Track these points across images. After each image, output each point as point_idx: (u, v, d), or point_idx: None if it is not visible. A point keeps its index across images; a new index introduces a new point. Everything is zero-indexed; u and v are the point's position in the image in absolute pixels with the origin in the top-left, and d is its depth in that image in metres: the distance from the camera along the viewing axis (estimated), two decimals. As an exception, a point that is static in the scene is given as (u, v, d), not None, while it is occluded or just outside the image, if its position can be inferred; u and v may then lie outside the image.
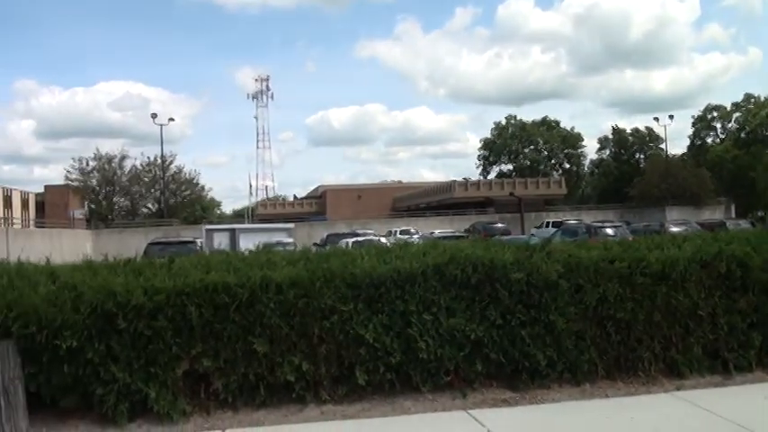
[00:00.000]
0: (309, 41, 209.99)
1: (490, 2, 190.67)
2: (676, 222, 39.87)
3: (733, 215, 62.01)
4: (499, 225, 52.45)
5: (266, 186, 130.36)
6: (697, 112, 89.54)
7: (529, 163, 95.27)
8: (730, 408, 6.71)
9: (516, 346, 7.34)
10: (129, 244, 36.44)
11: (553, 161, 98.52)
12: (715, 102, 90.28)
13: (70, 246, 45.55)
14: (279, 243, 22.74)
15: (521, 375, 7.40)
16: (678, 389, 7.47)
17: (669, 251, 8.06)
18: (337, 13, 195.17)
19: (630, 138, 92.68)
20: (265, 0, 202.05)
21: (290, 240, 30.23)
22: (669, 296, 7.72)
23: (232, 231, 39.37)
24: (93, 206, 69.41)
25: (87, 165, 67.17)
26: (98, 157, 67.32)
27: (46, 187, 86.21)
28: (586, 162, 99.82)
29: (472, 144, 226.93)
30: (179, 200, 70.80)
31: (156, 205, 69.36)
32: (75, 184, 67.60)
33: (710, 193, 65.25)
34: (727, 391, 7.48)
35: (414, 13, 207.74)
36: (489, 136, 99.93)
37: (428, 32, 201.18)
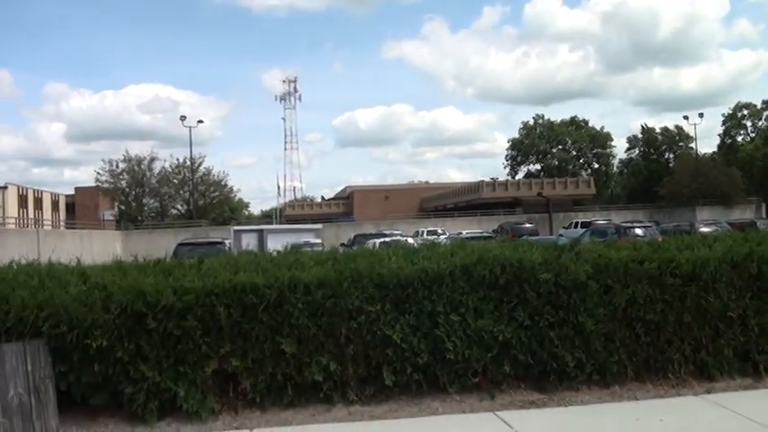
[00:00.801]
0: (336, 43, 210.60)
1: (518, 0, 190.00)
2: (706, 222, 39.48)
3: (764, 215, 61.26)
4: (527, 225, 52.17)
5: (294, 187, 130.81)
6: (727, 110, 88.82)
7: (557, 163, 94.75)
8: (761, 411, 6.63)
9: (545, 348, 7.30)
10: (159, 245, 36.63)
11: (582, 161, 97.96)
12: (745, 99, 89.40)
13: (100, 246, 46.00)
14: (307, 244, 22.76)
15: (549, 377, 7.36)
16: (708, 391, 7.40)
17: (699, 252, 7.98)
18: (364, 14, 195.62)
19: (660, 137, 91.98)
20: (292, 2, 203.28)
21: (318, 241, 30.31)
22: (699, 297, 7.65)
23: (260, 232, 39.53)
24: (122, 207, 70.10)
25: (117, 167, 67.96)
26: (128, 159, 68.09)
27: (76, 189, 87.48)
28: (615, 162, 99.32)
29: (500, 144, 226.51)
30: (208, 201, 71.30)
31: (186, 206, 69.87)
32: (106, 185, 68.35)
33: (741, 192, 64.51)
34: (758, 393, 7.40)
35: (441, 12, 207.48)
36: (517, 136, 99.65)
37: (455, 32, 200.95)
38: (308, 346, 6.97)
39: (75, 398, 6.69)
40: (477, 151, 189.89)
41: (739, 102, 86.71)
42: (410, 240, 26.55)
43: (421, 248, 8.31)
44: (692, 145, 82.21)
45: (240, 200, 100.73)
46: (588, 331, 7.33)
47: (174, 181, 69.97)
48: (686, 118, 71.04)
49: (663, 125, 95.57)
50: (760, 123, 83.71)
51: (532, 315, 7.31)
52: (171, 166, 69.70)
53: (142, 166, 68.24)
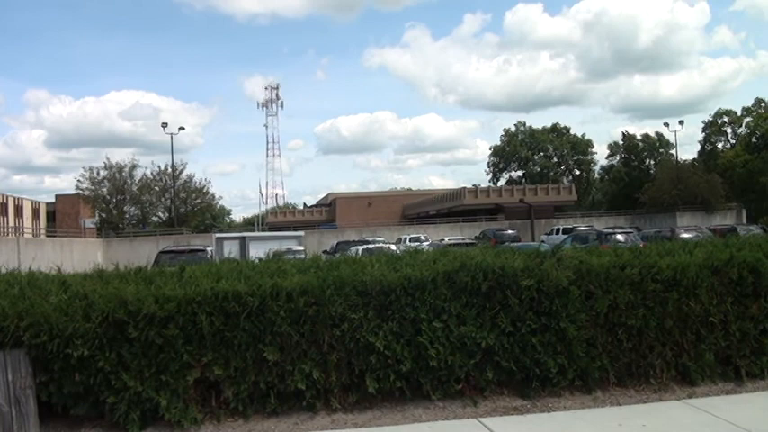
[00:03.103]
0: (319, 50, 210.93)
1: (499, 8, 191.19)
2: (687, 228, 39.73)
3: (744, 221, 61.67)
4: (509, 232, 52.21)
5: (276, 194, 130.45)
6: (707, 117, 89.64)
7: (539, 169, 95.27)
8: (743, 415, 6.68)
9: (527, 354, 7.32)
10: (140, 252, 36.55)
11: (563, 167, 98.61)
12: (725, 106, 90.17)
13: (81, 255, 45.70)
14: (289, 251, 22.78)
15: (532, 383, 7.38)
16: (690, 396, 7.44)
17: (680, 257, 8.03)
18: (346, 21, 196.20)
19: (640, 143, 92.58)
20: (275, 10, 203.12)
21: (301, 248, 30.22)
22: (680, 303, 7.69)
23: (242, 240, 39.39)
24: (103, 215, 69.42)
25: (98, 174, 67.24)
26: (109, 167, 67.42)
27: (57, 197, 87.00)
28: (596, 168, 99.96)
29: (482, 151, 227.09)
30: (189, 208, 70.89)
31: (167, 214, 69.44)
32: (86, 193, 67.68)
33: (721, 198, 64.94)
34: (740, 398, 7.44)
35: (422, 20, 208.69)
36: (499, 143, 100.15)
37: (437, 40, 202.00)
38: (290, 354, 6.95)
39: (57, 408, 6.64)
40: (459, 158, 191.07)
41: (720, 109, 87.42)
42: (393, 247, 26.59)
43: (403, 255, 8.32)
44: (673, 152, 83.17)
45: (222, 207, 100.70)
46: (570, 337, 7.36)
47: (156, 188, 69.43)
48: (667, 125, 72.02)
49: (644, 132, 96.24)
50: (740, 130, 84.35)
51: (515, 321, 7.33)
52: (152, 174, 69.21)
53: (123, 174, 67.62)
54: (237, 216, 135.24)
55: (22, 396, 6.31)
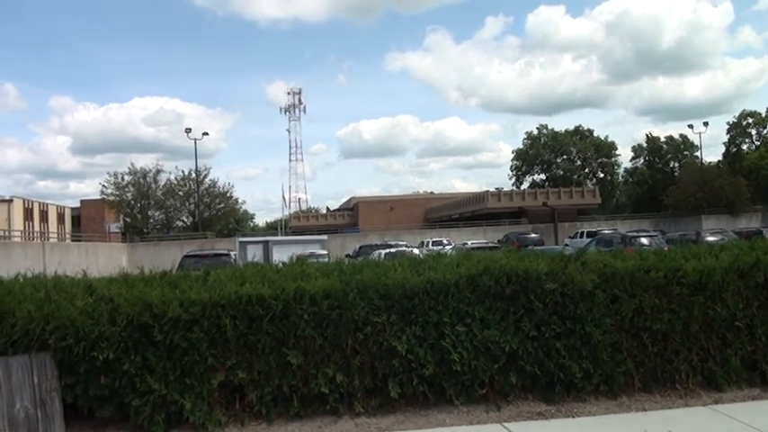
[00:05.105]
0: (340, 55, 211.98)
1: (520, 11, 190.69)
2: (712, 231, 39.34)
3: (770, 223, 61.05)
4: (533, 235, 52.05)
5: (299, 199, 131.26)
6: (732, 118, 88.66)
7: (562, 172, 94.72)
8: (770, 421, 6.60)
9: (551, 358, 7.28)
10: (165, 257, 36.69)
11: (586, 170, 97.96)
12: (750, 107, 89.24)
13: (106, 259, 46.06)
14: (312, 255, 22.81)
15: (556, 388, 7.33)
16: (716, 402, 7.36)
17: (706, 261, 7.95)
18: (367, 26, 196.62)
19: (664, 146, 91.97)
20: (296, 15, 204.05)
21: (324, 252, 30.31)
22: (706, 307, 7.62)
23: (265, 243, 39.55)
24: (128, 220, 69.97)
25: (122, 179, 67.91)
26: (133, 172, 68.07)
27: (82, 201, 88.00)
28: (620, 171, 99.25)
29: (505, 154, 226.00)
30: (213, 213, 71.24)
31: (191, 218, 69.83)
32: (111, 198, 68.29)
33: (746, 200, 64.33)
34: (766, 404, 7.34)
35: (444, 23, 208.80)
36: (522, 146, 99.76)
37: (459, 43, 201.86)
38: (314, 358, 6.96)
39: (82, 410, 6.69)
40: (481, 161, 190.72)
41: (744, 110, 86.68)
42: (415, 251, 26.56)
43: (426, 259, 8.29)
44: (697, 153, 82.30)
45: (245, 211, 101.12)
46: (595, 341, 7.31)
47: (180, 193, 69.95)
48: (691, 127, 71.01)
49: (668, 134, 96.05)
50: (765, 132, 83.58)
51: (539, 325, 7.29)
52: (176, 179, 69.77)
53: (147, 179, 68.25)
54: (260, 220, 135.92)
55: (47, 398, 6.37)
